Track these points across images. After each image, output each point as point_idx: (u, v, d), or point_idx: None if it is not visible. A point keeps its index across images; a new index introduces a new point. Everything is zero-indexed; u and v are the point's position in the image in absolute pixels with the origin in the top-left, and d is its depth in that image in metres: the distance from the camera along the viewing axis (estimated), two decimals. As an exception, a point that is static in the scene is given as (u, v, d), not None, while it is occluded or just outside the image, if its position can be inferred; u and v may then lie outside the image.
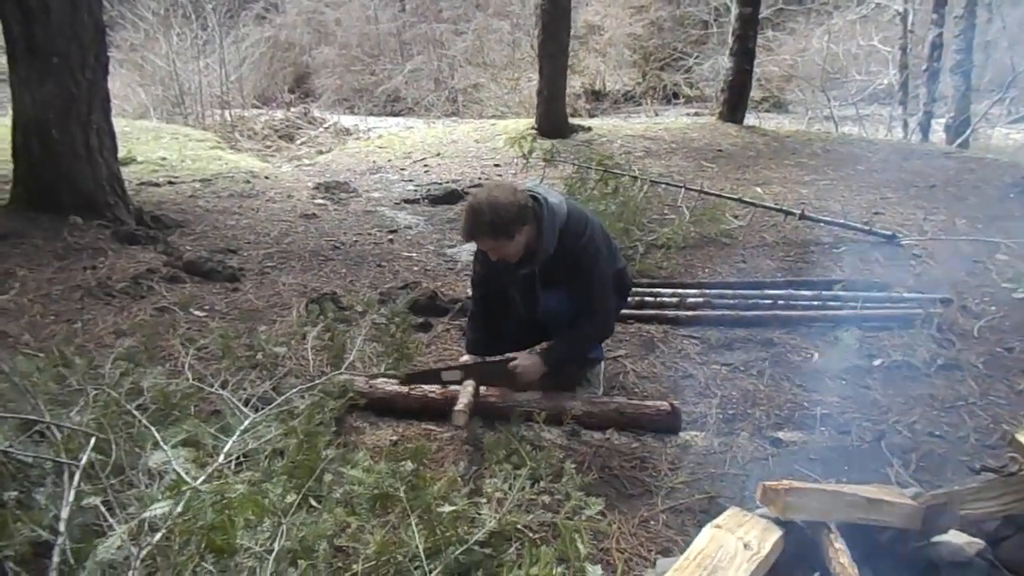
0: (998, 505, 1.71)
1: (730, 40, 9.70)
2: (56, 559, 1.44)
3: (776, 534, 1.60)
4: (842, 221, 5.12)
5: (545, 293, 2.70)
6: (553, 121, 8.94)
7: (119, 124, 5.27)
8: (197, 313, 3.51)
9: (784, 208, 5.28)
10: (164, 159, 7.69)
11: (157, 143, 8.81)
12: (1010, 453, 1.72)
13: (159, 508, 1.47)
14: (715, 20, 17.52)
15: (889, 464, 2.48)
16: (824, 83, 13.21)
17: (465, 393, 2.58)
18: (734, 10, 9.77)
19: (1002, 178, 6.85)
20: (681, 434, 2.66)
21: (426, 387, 2.74)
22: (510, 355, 2.75)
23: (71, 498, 1.56)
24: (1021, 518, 1.79)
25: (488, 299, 2.92)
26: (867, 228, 4.97)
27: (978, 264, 4.51)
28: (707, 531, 1.60)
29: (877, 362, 3.22)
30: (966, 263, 4.53)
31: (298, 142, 12.81)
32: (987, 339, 3.45)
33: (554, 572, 1.71)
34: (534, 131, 8.85)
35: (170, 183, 6.60)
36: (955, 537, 1.76)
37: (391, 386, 2.74)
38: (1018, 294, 3.99)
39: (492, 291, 2.89)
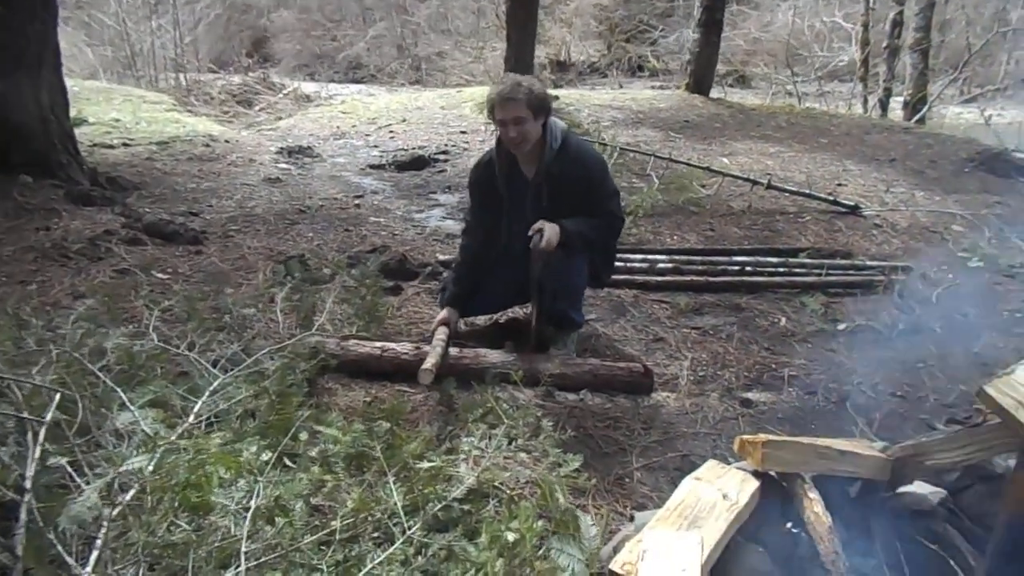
0: (962, 455, 1.76)
1: (697, 12, 9.69)
2: (24, 517, 1.39)
3: (753, 485, 1.64)
4: (807, 191, 5.21)
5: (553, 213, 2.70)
6: (520, 89, 8.82)
7: (67, 84, 5.02)
8: (159, 275, 3.40)
9: (751, 178, 5.34)
10: (117, 121, 7.39)
11: (109, 104, 8.45)
12: (976, 405, 1.77)
13: (135, 463, 1.43)
14: (681, -8, 17.51)
15: (854, 423, 2.55)
16: (788, 58, 13.32)
17: (433, 352, 2.57)
18: (702, -19, 9.73)
19: (957, 154, 7.04)
20: (653, 395, 2.69)
21: (398, 348, 2.71)
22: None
23: (36, 455, 1.50)
24: (981, 468, 1.86)
25: (476, 251, 2.92)
26: (831, 199, 5.07)
27: (935, 234, 4.65)
28: (687, 482, 1.63)
29: (842, 326, 3.31)
30: (924, 233, 4.66)
31: (256, 108, 12.43)
32: (945, 305, 3.56)
33: (534, 526, 1.72)
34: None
35: (125, 145, 6.35)
36: (919, 487, 1.83)
37: (363, 347, 2.71)
38: (973, 263, 4.12)
39: (483, 241, 2.91)
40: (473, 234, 2.96)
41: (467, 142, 7.14)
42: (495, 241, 2.90)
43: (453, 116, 8.38)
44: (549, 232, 2.60)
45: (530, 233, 2.62)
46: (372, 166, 6.22)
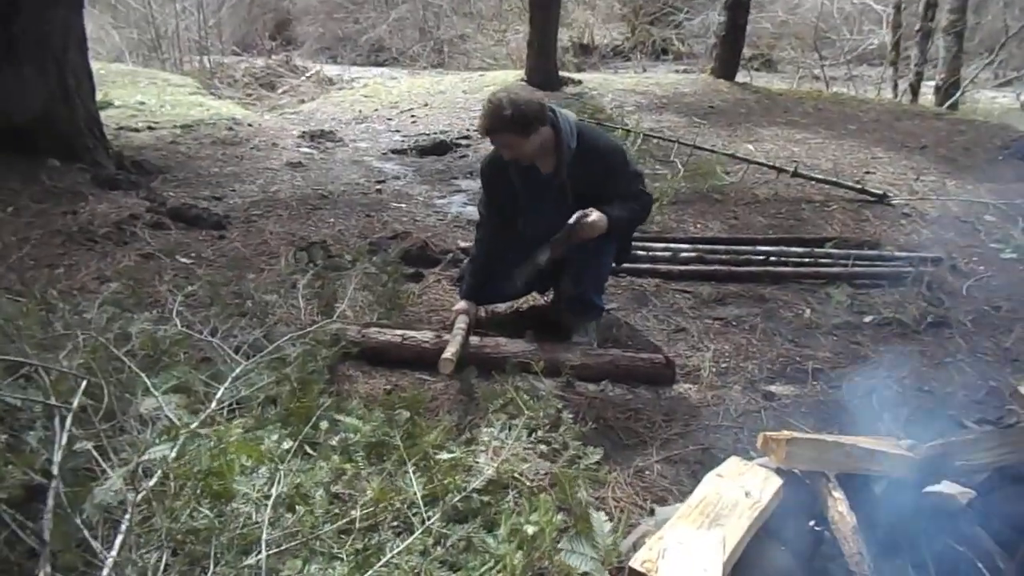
0: (992, 456, 1.73)
1: (724, -7, 9.50)
2: (51, 502, 1.41)
3: (776, 483, 1.61)
4: (834, 179, 5.11)
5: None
6: (543, 74, 8.76)
7: (93, 67, 5.07)
8: (183, 260, 3.43)
9: (777, 165, 5.25)
10: (142, 104, 7.45)
11: (134, 87, 8.52)
12: (1008, 405, 1.73)
13: (158, 451, 1.44)
14: (708, -26, 17.16)
15: (879, 418, 2.50)
16: (816, 41, 13.03)
17: (454, 342, 2.57)
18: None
19: (992, 140, 6.86)
20: (675, 386, 2.67)
21: (419, 336, 2.71)
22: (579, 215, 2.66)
23: (64, 441, 1.52)
24: (1012, 469, 1.82)
25: (492, 243, 2.91)
26: (859, 187, 4.97)
27: (967, 224, 4.54)
28: (709, 479, 1.61)
29: (868, 319, 3.25)
30: (955, 223, 4.55)
31: (279, 91, 12.46)
32: (975, 298, 3.48)
33: (554, 520, 1.72)
34: (524, 83, 8.68)
35: (149, 128, 6.41)
36: (948, 487, 1.79)
37: (384, 335, 2.71)
38: (1006, 254, 4.03)
39: (499, 232, 2.89)
40: (488, 226, 2.94)
41: (489, 127, 7.09)
42: (511, 231, 2.88)
43: (475, 100, 8.31)
44: (596, 218, 2.60)
45: (574, 218, 2.61)
46: (394, 151, 6.22)
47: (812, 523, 1.64)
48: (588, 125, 2.83)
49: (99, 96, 5.34)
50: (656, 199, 4.52)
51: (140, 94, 8.04)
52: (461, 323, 2.72)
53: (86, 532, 1.45)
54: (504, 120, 2.52)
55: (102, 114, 5.19)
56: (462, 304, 2.85)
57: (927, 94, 11.37)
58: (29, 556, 1.44)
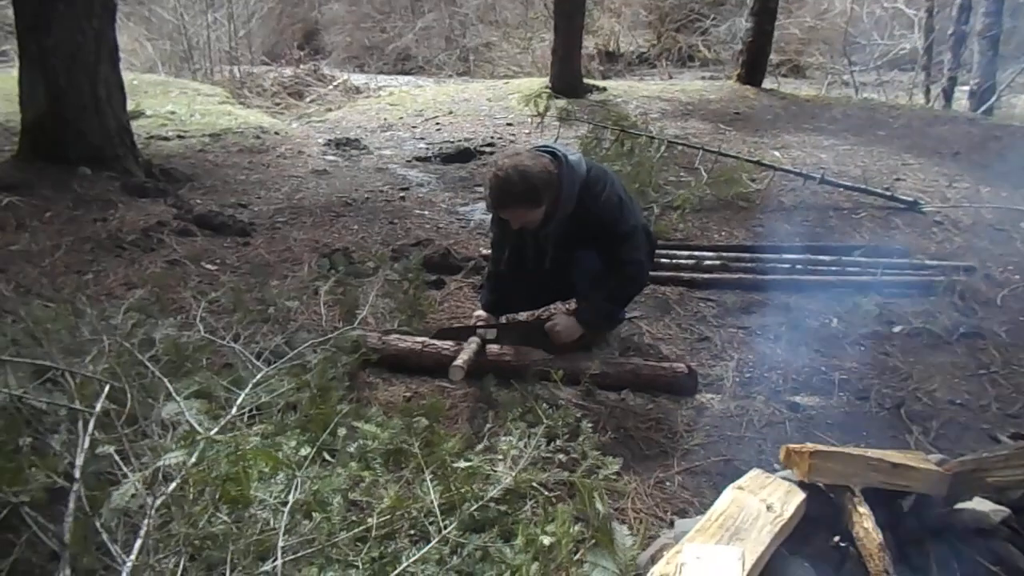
0: (1027, 473, 1.67)
1: (750, 0, 9.41)
2: (72, 505, 1.43)
3: (799, 497, 1.57)
4: (863, 186, 5.01)
5: (577, 252, 2.67)
6: (568, 80, 8.75)
7: (126, 77, 5.18)
8: (208, 266, 3.48)
9: (803, 172, 5.17)
10: (173, 113, 7.59)
11: (165, 97, 8.69)
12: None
13: (173, 457, 1.45)
14: (734, -20, 17.02)
15: (908, 431, 2.45)
16: (846, 47, 12.84)
17: (467, 349, 2.56)
18: (755, -32, 9.44)
19: (1027, 146, 6.69)
20: (697, 396, 2.63)
21: (440, 344, 2.71)
22: (547, 316, 2.71)
23: (86, 445, 1.54)
24: (1048, 486, 1.75)
25: (504, 263, 2.88)
26: (888, 194, 4.87)
27: (1002, 232, 4.42)
28: (729, 492, 1.58)
29: (897, 329, 3.17)
30: (989, 231, 4.44)
31: (307, 99, 12.61)
32: (1010, 308, 3.39)
33: (571, 530, 1.70)
34: (548, 90, 8.68)
35: (179, 137, 6.52)
36: (980, 504, 1.73)
37: (405, 342, 2.71)
38: (1042, 263, 3.91)
39: (510, 252, 2.85)
40: (498, 246, 2.92)
41: (513, 134, 7.10)
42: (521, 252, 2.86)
43: (499, 108, 8.34)
44: (565, 333, 2.67)
45: (546, 328, 2.69)
46: (418, 158, 6.25)
47: (836, 539, 1.60)
48: (596, 174, 2.64)
49: (131, 106, 5.45)
50: (679, 207, 4.53)
51: (171, 104, 8.19)
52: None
53: (105, 536, 1.46)
54: (515, 196, 2.48)
55: (133, 123, 5.31)
56: (481, 312, 2.85)
57: (961, 99, 11.13)
58: (50, 559, 1.46)
